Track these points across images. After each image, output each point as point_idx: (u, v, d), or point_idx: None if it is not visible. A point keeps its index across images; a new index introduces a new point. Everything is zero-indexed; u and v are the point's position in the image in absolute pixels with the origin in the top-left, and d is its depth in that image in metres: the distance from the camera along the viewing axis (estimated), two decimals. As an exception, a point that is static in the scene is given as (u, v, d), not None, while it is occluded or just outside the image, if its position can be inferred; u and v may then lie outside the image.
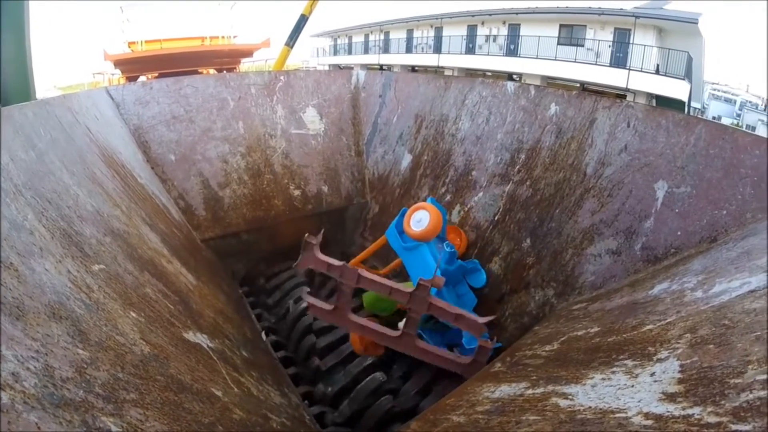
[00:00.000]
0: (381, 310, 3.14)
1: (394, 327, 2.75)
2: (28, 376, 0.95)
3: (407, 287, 2.68)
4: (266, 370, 2.34)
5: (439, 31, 30.89)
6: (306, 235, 2.58)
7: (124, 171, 2.86)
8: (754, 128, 26.92)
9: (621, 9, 21.61)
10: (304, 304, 3.17)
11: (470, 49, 28.41)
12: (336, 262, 2.54)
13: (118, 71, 22.31)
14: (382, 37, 36.85)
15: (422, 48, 32.76)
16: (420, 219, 3.10)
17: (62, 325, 1.18)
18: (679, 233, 2.28)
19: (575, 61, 22.14)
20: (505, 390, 1.69)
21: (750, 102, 35.23)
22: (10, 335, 1.01)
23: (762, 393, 0.99)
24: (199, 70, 19.11)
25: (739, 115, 33.78)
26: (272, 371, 2.46)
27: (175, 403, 1.30)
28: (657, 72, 19.86)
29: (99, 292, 1.48)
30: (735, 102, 36.33)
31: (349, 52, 41.39)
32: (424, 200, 3.28)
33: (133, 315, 1.54)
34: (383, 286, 2.50)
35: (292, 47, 11.83)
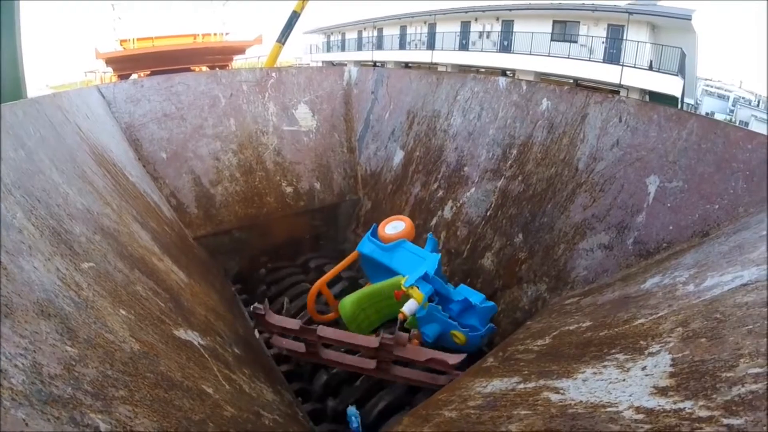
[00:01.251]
0: (362, 327, 2.97)
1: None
2: (15, 373, 0.95)
3: (398, 282, 2.70)
4: (259, 368, 2.34)
5: (432, 27, 30.94)
6: (252, 306, 2.55)
7: (114, 169, 2.85)
8: (747, 124, 27.12)
9: (614, 5, 21.71)
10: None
11: (464, 46, 28.47)
12: (292, 324, 2.51)
13: (110, 69, 22.26)
14: (375, 33, 36.87)
15: (416, 44, 32.81)
16: (396, 226, 3.21)
17: (51, 323, 1.18)
18: (671, 228, 2.29)
19: (569, 57, 22.24)
20: (497, 385, 1.69)
21: (743, 98, 35.42)
22: (-2, 333, 1.01)
23: (754, 386, 1.00)
24: (191, 68, 19.09)
25: (732, 111, 33.99)
26: (265, 368, 2.46)
27: (165, 401, 1.29)
28: (650, 68, 19.97)
29: (88, 289, 1.47)
30: (728, 98, 36.54)
31: (342, 49, 41.42)
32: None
33: (123, 312, 1.53)
34: (348, 343, 2.47)
35: (283, 44, 11.80)
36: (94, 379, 1.14)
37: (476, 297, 2.78)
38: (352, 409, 2.51)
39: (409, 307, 2.57)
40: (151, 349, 1.48)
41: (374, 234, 3.21)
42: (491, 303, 2.80)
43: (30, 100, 2.55)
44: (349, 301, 2.90)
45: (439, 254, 2.93)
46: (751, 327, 1.20)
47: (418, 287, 2.66)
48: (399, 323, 2.58)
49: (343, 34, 41.94)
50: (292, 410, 2.22)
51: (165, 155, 3.78)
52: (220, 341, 2.12)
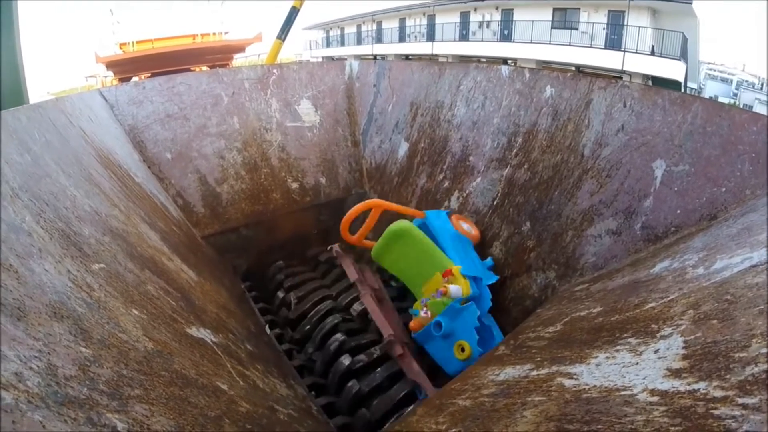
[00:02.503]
0: (385, 259, 2.97)
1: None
2: (31, 376, 0.95)
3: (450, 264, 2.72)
4: (271, 363, 2.35)
5: (431, 18, 30.83)
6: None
7: (120, 171, 2.86)
8: (751, 107, 26.91)
9: (614, -10, 21.55)
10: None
11: (464, 36, 28.37)
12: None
13: (110, 73, 22.29)
14: (374, 27, 36.79)
15: (415, 37, 32.72)
16: (469, 227, 3.21)
17: (64, 324, 1.18)
18: (678, 212, 2.28)
19: (570, 45, 22.14)
20: (509, 372, 1.69)
21: (746, 81, 35.18)
22: (12, 336, 1.01)
23: (767, 366, 1.00)
24: (192, 68, 19.06)
25: (735, 95, 33.79)
26: (277, 364, 2.47)
27: (180, 398, 1.30)
28: (652, 53, 19.87)
29: (100, 290, 1.48)
30: (731, 81, 36.30)
31: (342, 44, 41.37)
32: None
33: (135, 312, 1.54)
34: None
35: (284, 40, 11.75)
36: (110, 379, 1.15)
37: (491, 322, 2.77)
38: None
39: (454, 290, 2.57)
40: (164, 347, 1.49)
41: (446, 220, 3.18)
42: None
43: (33, 105, 2.56)
44: (403, 227, 2.86)
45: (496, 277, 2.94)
46: (762, 307, 1.19)
47: (470, 281, 2.68)
48: (439, 294, 2.60)
49: (342, 29, 41.87)
50: (306, 404, 2.23)
51: (170, 156, 3.79)
52: (232, 338, 2.13)
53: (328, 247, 3.28)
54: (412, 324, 2.70)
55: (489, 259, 3.09)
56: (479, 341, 2.49)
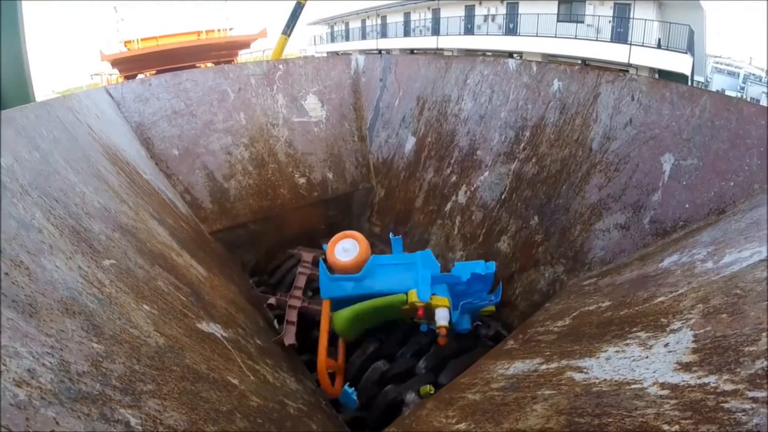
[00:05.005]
0: (355, 334, 2.83)
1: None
2: (44, 372, 0.96)
3: (400, 300, 2.66)
4: (280, 358, 2.36)
5: (436, 12, 30.71)
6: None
7: (128, 168, 2.87)
8: (758, 101, 26.70)
9: (620, -18, 21.40)
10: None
11: (469, 30, 28.23)
12: None
13: (116, 71, 22.37)
14: (379, 21, 36.69)
15: (420, 31, 32.60)
16: (346, 248, 2.97)
17: (76, 320, 1.19)
18: (687, 206, 2.27)
19: (576, 38, 21.98)
20: (519, 366, 1.69)
21: (753, 74, 34.88)
22: (25, 332, 1.02)
23: (776, 359, 1.00)
24: (197, 65, 19.11)
25: (743, 88, 33.49)
26: (286, 358, 2.48)
27: (192, 393, 1.31)
28: (658, 46, 19.71)
29: (111, 286, 1.48)
30: (738, 75, 35.97)
31: (347, 39, 41.26)
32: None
33: (146, 308, 1.55)
34: None
35: (289, 36, 11.76)
36: (122, 374, 1.16)
37: (479, 267, 2.79)
38: (347, 389, 2.50)
39: (444, 318, 2.50)
40: (175, 342, 1.49)
41: (328, 269, 2.93)
42: (491, 264, 2.83)
43: (40, 103, 2.58)
44: (345, 317, 2.69)
45: (427, 250, 2.91)
46: (772, 301, 1.19)
47: (436, 294, 2.64)
48: (442, 337, 2.52)
49: (347, 24, 41.76)
50: (315, 398, 2.24)
51: (177, 152, 3.79)
52: (242, 333, 2.14)
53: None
54: (441, 340, 2.58)
55: (391, 236, 3.06)
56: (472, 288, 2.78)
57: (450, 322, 2.54)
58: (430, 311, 2.58)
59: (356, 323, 2.74)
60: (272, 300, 2.98)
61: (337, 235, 3.04)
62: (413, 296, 2.62)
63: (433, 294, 2.63)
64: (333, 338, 2.76)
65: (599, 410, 1.17)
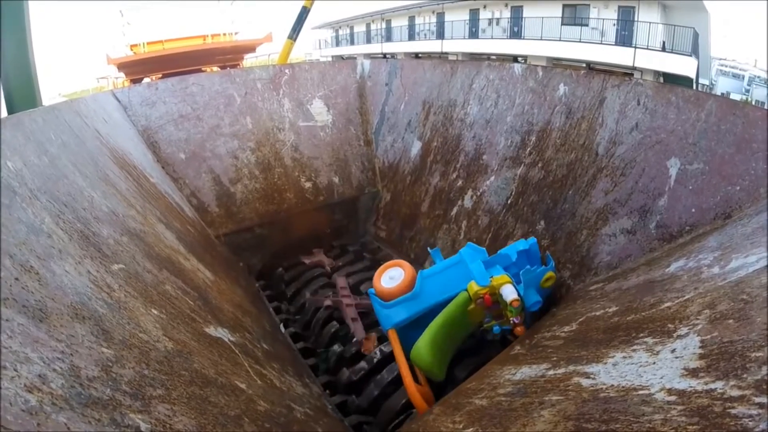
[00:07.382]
0: (443, 368, 2.54)
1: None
2: (54, 377, 0.97)
3: (464, 298, 2.51)
4: (287, 362, 2.36)
5: (441, 16, 30.80)
6: None
7: (136, 172, 2.88)
8: (763, 104, 26.61)
9: (624, -15, 21.42)
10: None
11: (473, 34, 28.31)
12: None
13: (122, 74, 22.47)
14: (383, 25, 36.80)
15: (425, 35, 32.70)
16: (392, 276, 2.85)
17: (86, 325, 1.20)
18: (693, 210, 2.27)
19: (580, 41, 22.01)
20: (526, 372, 1.69)
21: (758, 77, 34.81)
22: (35, 337, 1.02)
23: (784, 365, 1.00)
24: (203, 69, 19.18)
25: (748, 91, 33.45)
26: (293, 362, 2.48)
27: (201, 397, 1.31)
28: (663, 49, 19.72)
29: (120, 291, 1.49)
30: (743, 77, 35.91)
31: (352, 43, 41.40)
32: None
33: (155, 312, 1.56)
34: None
35: (295, 40, 11.77)
36: (132, 379, 1.16)
37: (519, 245, 2.68)
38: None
39: (512, 291, 2.37)
40: (184, 347, 1.50)
41: (379, 296, 2.81)
42: (532, 239, 2.72)
43: (48, 107, 2.59)
44: (424, 347, 2.43)
45: (468, 242, 2.80)
46: (779, 307, 1.19)
47: (494, 275, 2.52)
48: (521, 310, 2.40)
49: (352, 28, 41.88)
50: (321, 403, 2.25)
51: (183, 156, 3.81)
52: (249, 337, 2.15)
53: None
54: (518, 330, 2.45)
55: (429, 249, 3.00)
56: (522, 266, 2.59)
57: (521, 297, 2.40)
58: (495, 295, 2.46)
59: (437, 352, 2.49)
60: (328, 301, 3.24)
61: (380, 268, 2.92)
62: (473, 287, 2.49)
63: (492, 276, 2.52)
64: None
65: (607, 416, 1.17)
